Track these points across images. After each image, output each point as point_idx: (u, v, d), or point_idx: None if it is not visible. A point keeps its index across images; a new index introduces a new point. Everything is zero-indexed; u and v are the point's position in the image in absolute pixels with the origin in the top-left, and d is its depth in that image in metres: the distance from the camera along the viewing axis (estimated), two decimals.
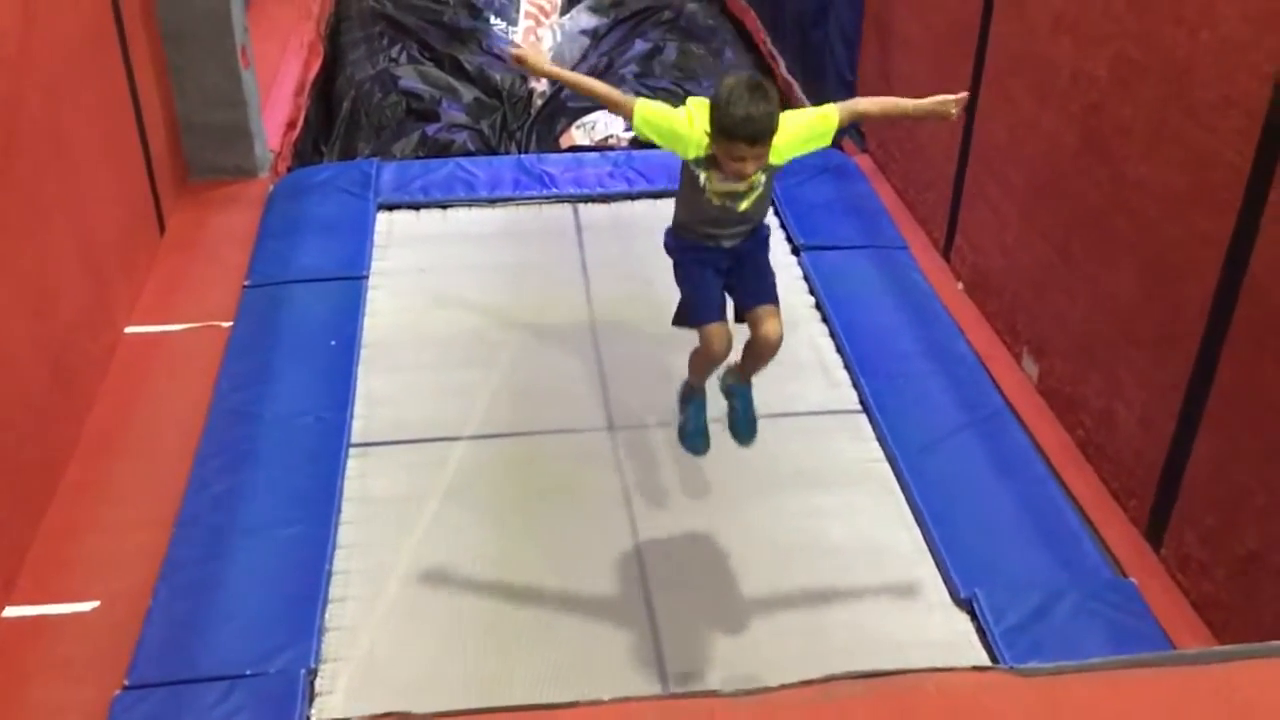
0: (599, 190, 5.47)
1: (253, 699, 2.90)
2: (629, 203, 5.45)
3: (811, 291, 4.79)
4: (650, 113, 2.92)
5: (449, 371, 4.29)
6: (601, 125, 6.14)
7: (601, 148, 6.00)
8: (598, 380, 4.26)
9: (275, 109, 5.88)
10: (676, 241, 3.11)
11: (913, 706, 1.38)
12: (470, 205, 5.37)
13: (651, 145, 3.01)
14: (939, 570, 3.47)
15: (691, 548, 3.48)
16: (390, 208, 5.32)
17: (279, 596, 3.23)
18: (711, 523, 3.60)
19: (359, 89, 6.43)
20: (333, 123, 6.40)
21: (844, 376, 4.33)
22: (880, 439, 4.01)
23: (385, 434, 3.96)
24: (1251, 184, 3.00)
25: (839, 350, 4.45)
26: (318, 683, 3.01)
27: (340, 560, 3.42)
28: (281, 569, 3.33)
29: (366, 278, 4.77)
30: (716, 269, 3.09)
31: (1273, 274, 2.92)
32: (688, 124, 2.86)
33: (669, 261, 5.24)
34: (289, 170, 5.69)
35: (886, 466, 3.90)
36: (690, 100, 2.94)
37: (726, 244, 3.05)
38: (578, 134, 6.17)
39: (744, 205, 2.94)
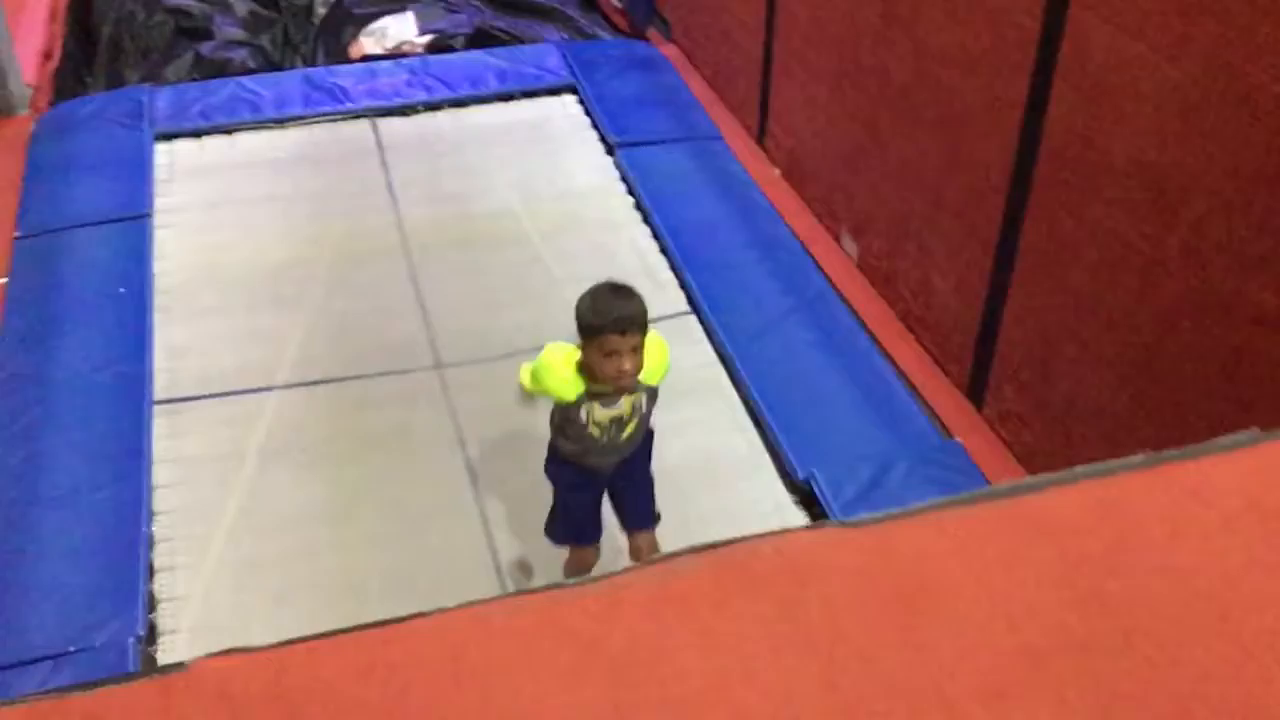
0: (398, 101, 5.38)
1: (83, 675, 2.86)
2: (431, 114, 5.38)
3: (630, 191, 4.87)
4: (537, 372, 2.84)
5: (254, 315, 4.19)
6: (394, 31, 5.99)
7: (395, 55, 5.86)
8: (419, 314, 4.20)
9: (27, 39, 5.53)
10: (558, 470, 3.00)
11: (754, 569, 1.49)
12: (258, 128, 5.21)
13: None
14: (775, 463, 3.63)
15: (532, 487, 3.53)
16: (169, 137, 5.11)
17: (96, 568, 3.17)
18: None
19: (119, 10, 6.09)
20: (94, 49, 6.06)
21: (670, 277, 4.45)
22: (711, 338, 4.15)
23: (192, 388, 3.86)
24: (1042, 44, 3.21)
25: (663, 251, 4.56)
26: (158, 658, 2.98)
27: (160, 527, 3.36)
28: (95, 539, 3.25)
29: (150, 216, 4.60)
30: (596, 494, 3.05)
31: (1067, 131, 3.16)
32: (560, 366, 2.77)
33: (485, 179, 5.27)
34: (51, 105, 5.39)
35: (720, 369, 4.03)
36: (546, 348, 2.85)
37: (609, 470, 2.99)
38: (368, 42, 6.00)
39: (627, 432, 2.84)
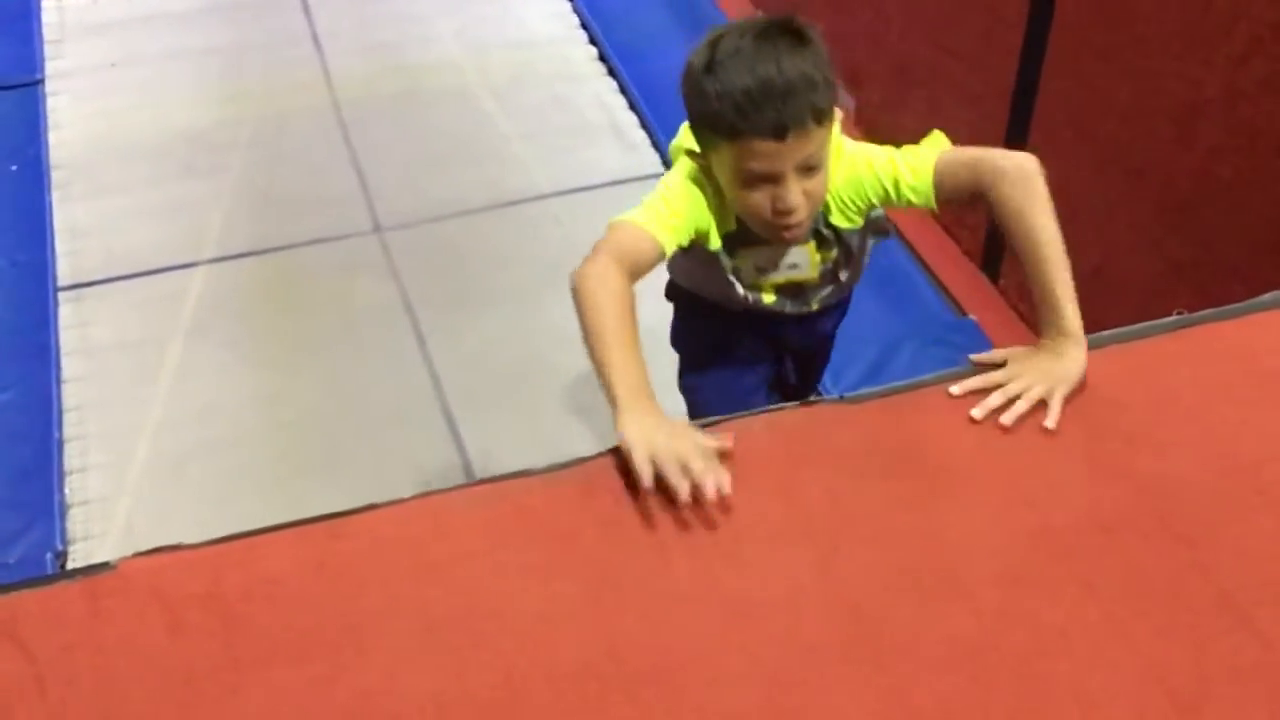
0: None
1: None
2: None
3: (592, 41, 4.81)
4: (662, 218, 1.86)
5: (168, 186, 4.16)
6: None
7: None
8: (354, 175, 4.21)
9: None
10: (692, 324, 2.23)
11: (743, 451, 1.52)
12: None
13: None
14: None
15: (489, 351, 3.56)
16: None
17: (3, 479, 3.18)
18: (509, 321, 3.68)
19: None
20: None
21: (641, 137, 4.41)
22: None
23: (101, 270, 3.84)
24: None
25: (632, 107, 4.52)
26: (71, 567, 3.01)
27: (71, 425, 3.36)
28: (0, 447, 3.26)
29: (41, 82, 4.52)
30: (762, 375, 2.28)
31: None
32: (687, 183, 1.89)
33: (423, 27, 5.16)
34: None
35: None
36: (681, 131, 1.97)
37: (793, 342, 2.26)
38: None
39: (819, 298, 2.06)
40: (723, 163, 1.76)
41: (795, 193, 1.73)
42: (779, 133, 1.67)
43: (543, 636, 1.36)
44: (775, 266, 1.97)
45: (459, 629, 1.36)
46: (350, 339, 3.64)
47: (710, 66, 1.70)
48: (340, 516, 1.48)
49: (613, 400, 1.55)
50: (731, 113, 1.68)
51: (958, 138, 3.87)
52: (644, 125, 4.44)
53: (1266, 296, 1.78)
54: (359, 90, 4.58)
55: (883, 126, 4.22)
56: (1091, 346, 1.70)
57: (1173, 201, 3.03)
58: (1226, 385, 1.55)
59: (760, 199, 1.76)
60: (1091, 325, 2.70)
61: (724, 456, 1.50)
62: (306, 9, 5.00)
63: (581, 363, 3.57)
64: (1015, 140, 3.57)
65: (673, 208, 1.85)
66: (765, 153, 1.69)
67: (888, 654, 1.33)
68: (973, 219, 3.83)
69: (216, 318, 3.70)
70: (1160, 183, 3.06)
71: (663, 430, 1.49)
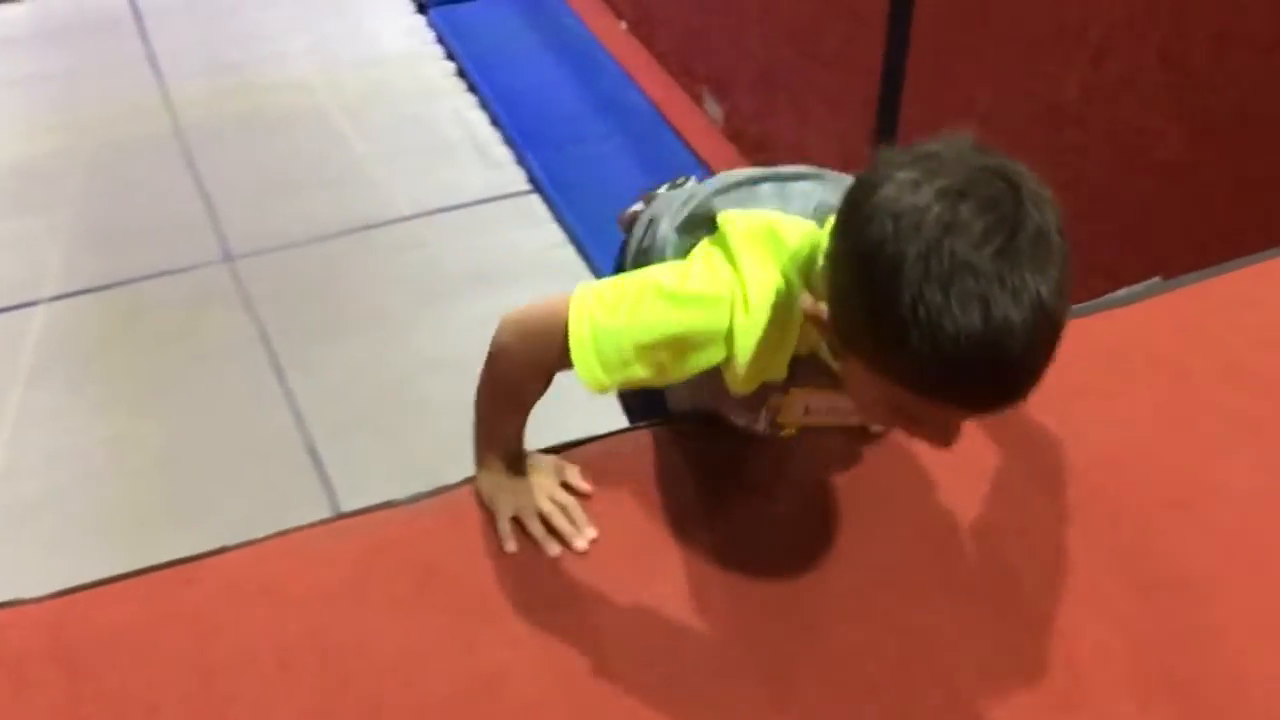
0: None
1: None
2: None
3: (450, 56, 4.82)
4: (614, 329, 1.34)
5: (1, 221, 4.07)
6: None
7: None
8: (200, 203, 4.15)
9: None
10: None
11: (613, 463, 1.55)
12: None
13: None
14: None
15: (353, 381, 3.54)
16: None
17: None
18: (374, 349, 3.67)
19: None
20: None
21: (505, 153, 4.43)
22: (559, 219, 4.17)
23: None
24: None
25: (495, 123, 4.54)
26: None
27: None
28: None
29: None
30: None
31: None
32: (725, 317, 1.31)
33: (269, 45, 5.11)
34: None
35: (572, 250, 4.08)
36: (732, 236, 1.34)
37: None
38: None
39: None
40: (869, 373, 1.16)
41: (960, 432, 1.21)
42: (999, 410, 1.15)
43: (411, 672, 1.36)
44: (828, 411, 1.45)
45: (322, 669, 1.36)
46: (203, 375, 3.57)
47: (921, 273, 1.05)
48: (191, 561, 1.47)
49: (477, 457, 1.56)
50: (940, 374, 1.08)
51: (827, 145, 3.98)
52: (508, 141, 4.46)
53: (1125, 291, 1.88)
54: (202, 113, 4.52)
55: (751, 135, 4.31)
56: None
57: None
58: (1084, 382, 1.62)
59: (900, 423, 1.23)
60: None
61: (584, 497, 1.52)
62: (143, 31, 4.92)
63: (451, 389, 3.57)
64: (883, 145, 3.68)
65: (662, 349, 1.32)
66: (954, 414, 1.18)
67: (770, 667, 1.37)
68: None
69: (59, 359, 3.61)
70: None
71: (521, 489, 1.51)
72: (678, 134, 4.46)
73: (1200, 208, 2.67)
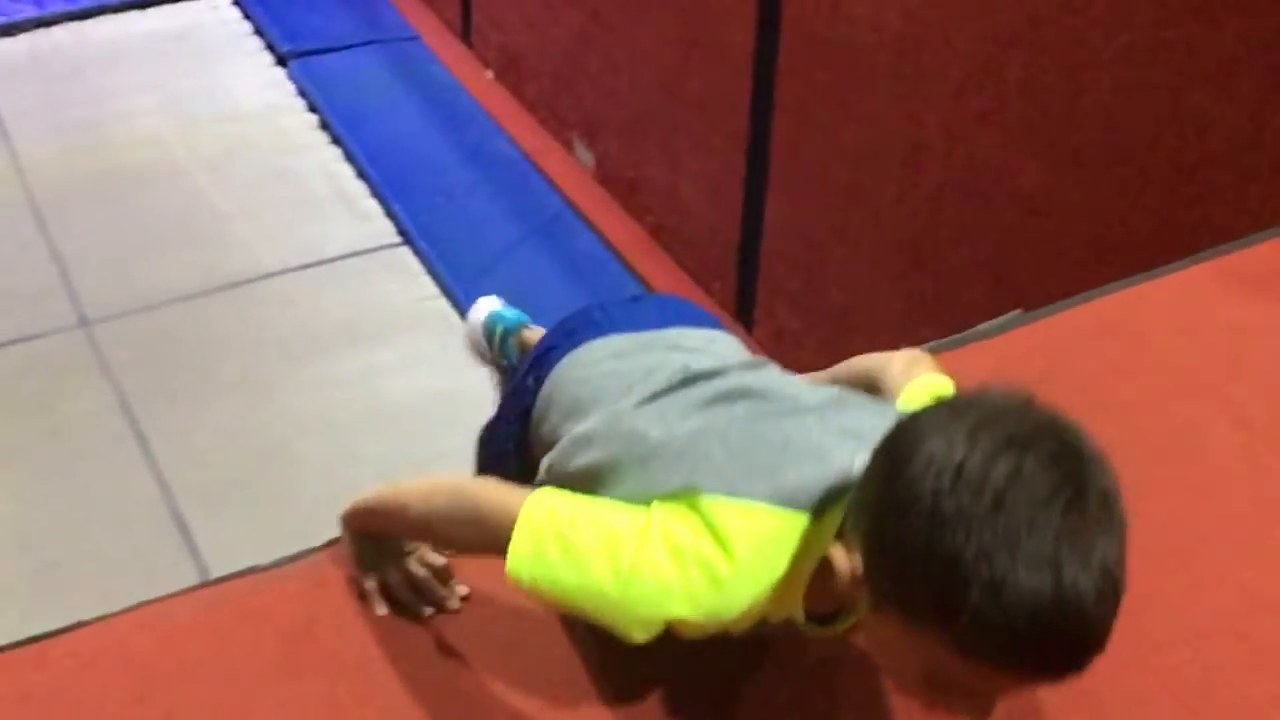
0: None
1: None
2: (45, 31, 5.17)
3: (312, 108, 4.81)
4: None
5: None
6: None
7: None
8: (53, 267, 4.09)
9: None
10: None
11: None
12: None
13: None
14: None
15: (220, 445, 3.49)
16: None
17: None
18: (241, 411, 3.62)
19: None
20: None
21: (373, 206, 4.43)
22: (431, 271, 4.17)
23: None
24: None
25: (361, 175, 4.53)
26: None
27: None
28: None
29: None
30: None
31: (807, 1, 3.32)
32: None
33: (122, 103, 5.05)
34: None
35: (444, 302, 4.08)
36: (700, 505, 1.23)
37: None
38: None
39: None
40: (907, 633, 1.08)
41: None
42: (1057, 680, 1.06)
43: None
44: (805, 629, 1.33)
45: None
46: (60, 446, 3.50)
47: (985, 530, 1.00)
48: (44, 639, 1.43)
49: (352, 523, 1.50)
50: (998, 638, 1.01)
51: (698, 189, 4.04)
52: (375, 193, 4.46)
53: (987, 325, 1.94)
54: (54, 174, 4.45)
55: (623, 180, 4.36)
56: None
57: (909, 239, 3.24)
58: None
59: (930, 689, 1.12)
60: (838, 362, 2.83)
61: (448, 574, 1.49)
62: None
63: (322, 448, 3.56)
64: (755, 188, 3.75)
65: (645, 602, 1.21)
66: (1005, 683, 1.08)
67: None
68: (722, 267, 3.99)
69: None
70: (896, 221, 3.26)
71: (389, 552, 1.48)
72: (549, 181, 4.49)
73: (1060, 240, 2.77)
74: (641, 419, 1.38)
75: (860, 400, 1.35)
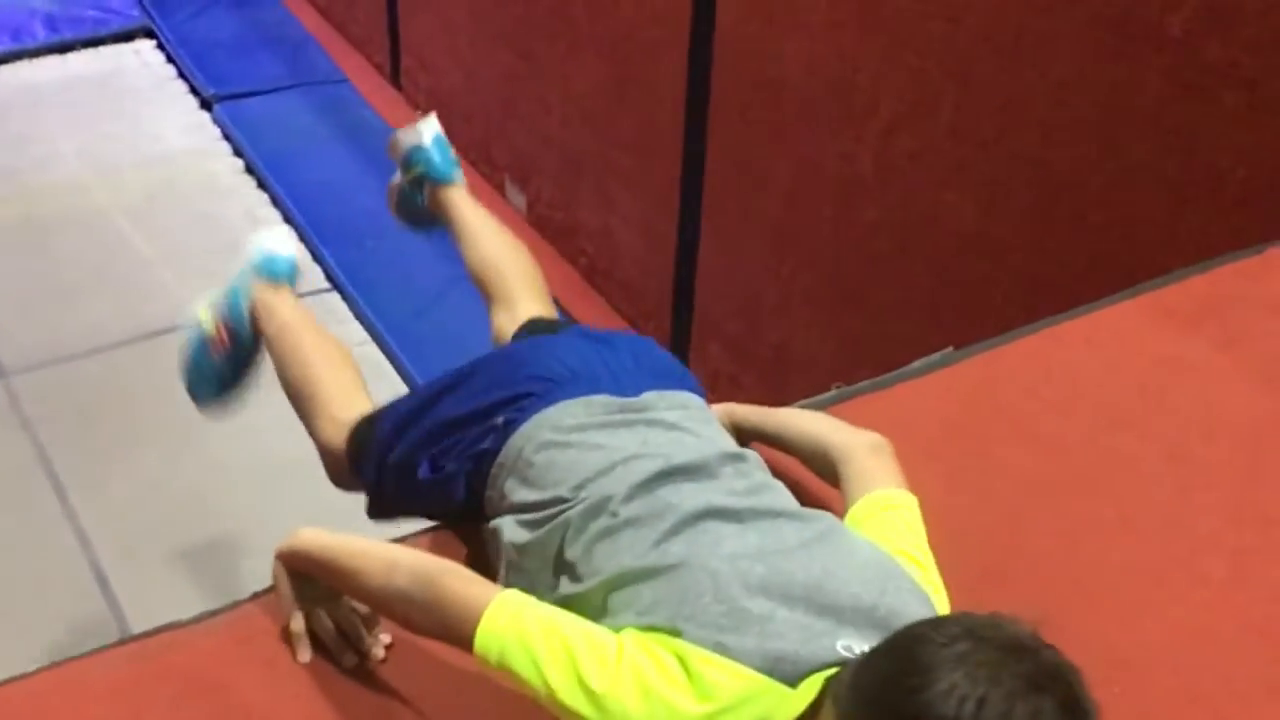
0: None
1: None
2: None
3: (238, 152, 4.79)
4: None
5: None
6: None
7: None
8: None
9: None
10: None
11: None
12: None
13: None
14: None
15: (142, 499, 3.45)
16: None
17: None
18: (164, 462, 3.58)
19: None
20: None
21: (301, 251, 4.39)
22: (360, 317, 4.15)
23: None
24: None
25: (288, 220, 4.51)
26: None
27: None
28: None
29: None
30: None
31: (740, 41, 3.36)
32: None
33: (42, 148, 5.00)
34: None
35: (374, 347, 4.06)
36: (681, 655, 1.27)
37: None
38: None
39: None
40: None
41: None
42: None
43: None
44: None
45: None
46: None
47: None
48: None
49: (293, 556, 1.50)
50: None
51: (632, 230, 4.05)
52: (303, 238, 4.42)
53: (919, 363, 1.96)
54: None
55: (557, 225, 4.37)
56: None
57: (842, 278, 3.27)
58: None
59: None
60: (775, 403, 2.88)
61: (373, 621, 1.49)
62: None
63: (247, 498, 3.52)
64: (688, 228, 3.78)
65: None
66: None
67: None
68: (657, 309, 4.00)
69: None
70: (829, 260, 3.30)
71: (323, 593, 1.48)
72: None
73: (991, 277, 2.81)
74: (626, 530, 1.41)
75: (843, 547, 1.38)
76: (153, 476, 3.54)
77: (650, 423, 1.59)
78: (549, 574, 1.46)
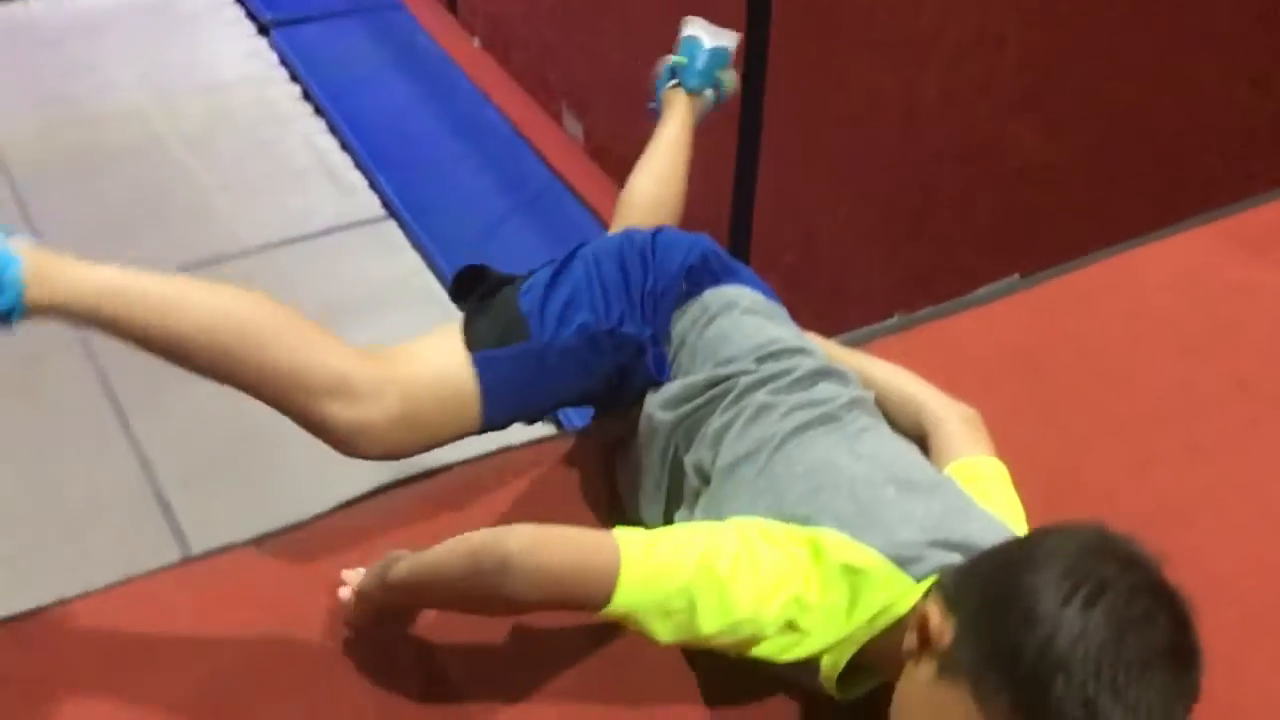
0: None
1: None
2: (20, 3, 5.14)
3: (295, 78, 4.79)
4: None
5: None
6: None
7: None
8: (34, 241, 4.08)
9: None
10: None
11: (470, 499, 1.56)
12: None
13: None
14: None
15: (202, 426, 3.48)
16: None
17: None
18: (222, 392, 3.60)
19: None
20: None
21: (357, 179, 4.41)
22: (417, 245, 4.16)
23: None
24: None
25: (345, 147, 4.52)
26: None
27: None
28: None
29: None
30: None
31: None
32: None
33: (100, 76, 4.99)
34: None
35: (431, 277, 4.08)
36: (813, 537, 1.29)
37: None
38: None
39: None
40: (959, 705, 1.12)
41: None
42: None
43: (269, 710, 1.35)
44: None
45: None
46: (43, 427, 3.48)
47: (1096, 647, 1.06)
48: (20, 619, 1.43)
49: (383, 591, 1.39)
50: None
51: (693, 164, 4.01)
52: (360, 166, 4.44)
53: (984, 290, 1.94)
54: (29, 149, 4.41)
55: (614, 154, 4.35)
56: None
57: (904, 210, 3.23)
58: (944, 382, 1.66)
59: None
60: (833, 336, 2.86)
61: None
62: None
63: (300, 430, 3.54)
64: (746, 160, 3.74)
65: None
66: None
67: None
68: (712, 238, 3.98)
69: None
70: (890, 192, 3.26)
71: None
72: (537, 153, 4.48)
73: (1057, 205, 2.77)
74: (777, 419, 1.44)
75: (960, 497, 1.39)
76: (211, 403, 3.53)
77: (785, 322, 1.71)
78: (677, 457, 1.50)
